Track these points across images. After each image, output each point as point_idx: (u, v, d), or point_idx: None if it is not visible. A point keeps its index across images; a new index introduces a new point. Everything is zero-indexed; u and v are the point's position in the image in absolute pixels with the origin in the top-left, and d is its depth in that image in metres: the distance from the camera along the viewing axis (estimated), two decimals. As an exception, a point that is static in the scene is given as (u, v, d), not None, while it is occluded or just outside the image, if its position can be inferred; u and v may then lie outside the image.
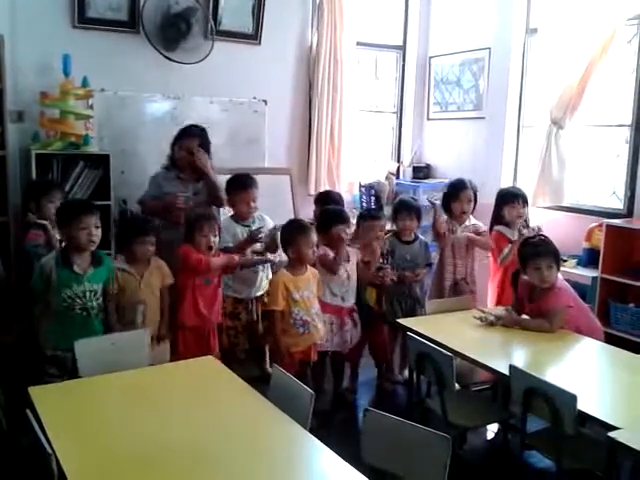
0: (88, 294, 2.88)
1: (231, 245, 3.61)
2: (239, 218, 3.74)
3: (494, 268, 4.05)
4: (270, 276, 3.76)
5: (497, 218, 4.01)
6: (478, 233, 3.99)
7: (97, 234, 2.89)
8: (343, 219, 3.64)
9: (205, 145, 3.82)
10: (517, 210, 3.91)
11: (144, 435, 2.01)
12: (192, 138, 3.78)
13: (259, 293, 3.79)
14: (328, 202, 4.04)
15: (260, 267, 3.77)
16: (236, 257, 3.45)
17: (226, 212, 3.95)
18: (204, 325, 3.37)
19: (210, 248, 3.33)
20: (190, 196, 3.75)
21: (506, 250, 3.85)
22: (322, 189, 5.27)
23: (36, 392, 2.24)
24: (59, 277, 2.83)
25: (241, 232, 3.69)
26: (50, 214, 3.33)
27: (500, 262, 3.90)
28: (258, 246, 3.69)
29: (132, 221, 3.74)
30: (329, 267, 3.55)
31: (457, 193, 4.02)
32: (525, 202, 3.98)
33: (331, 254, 3.54)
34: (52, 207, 3.33)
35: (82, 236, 2.83)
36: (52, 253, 2.94)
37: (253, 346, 3.88)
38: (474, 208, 4.07)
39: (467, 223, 4.04)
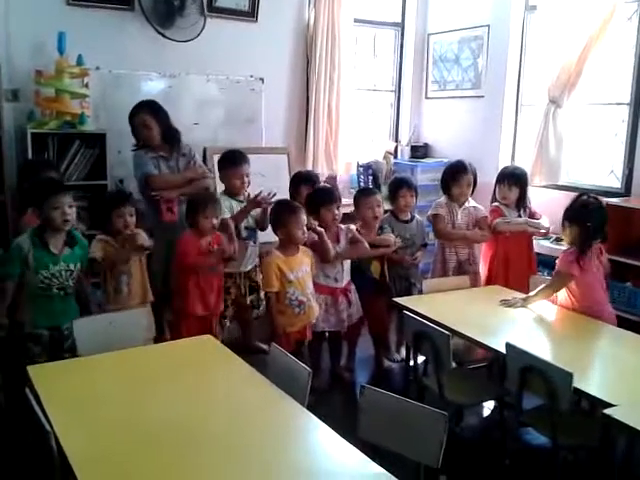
0: (64, 273, 2.91)
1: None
2: (232, 194, 3.74)
3: (486, 248, 4.05)
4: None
5: (494, 198, 4.04)
6: (477, 219, 3.98)
7: (71, 213, 2.88)
8: (332, 199, 3.62)
9: (158, 114, 3.80)
10: (504, 191, 3.94)
11: (142, 413, 2.02)
12: (140, 113, 3.77)
13: (248, 267, 3.83)
14: (303, 182, 4.00)
15: (251, 242, 3.80)
16: (227, 248, 3.42)
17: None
18: (208, 312, 3.39)
19: (213, 229, 3.35)
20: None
21: (498, 219, 3.89)
22: (319, 168, 5.27)
23: (35, 371, 2.25)
24: (36, 258, 2.85)
25: (237, 206, 3.70)
26: None
27: (492, 227, 3.92)
28: (251, 221, 3.74)
29: (107, 195, 3.72)
30: (320, 254, 3.52)
31: (457, 178, 3.98)
32: (516, 183, 3.95)
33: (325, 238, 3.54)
34: None
35: (56, 216, 2.83)
36: (26, 234, 2.91)
37: (241, 319, 3.98)
38: (473, 190, 4.06)
39: (467, 204, 4.03)
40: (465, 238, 3.98)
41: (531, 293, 3.26)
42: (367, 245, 3.65)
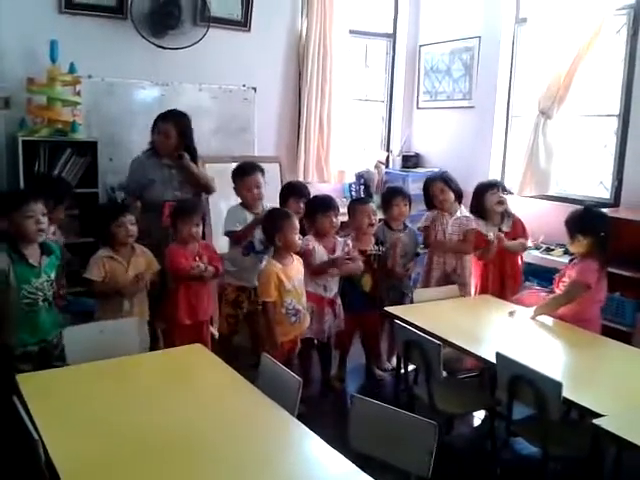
0: (46, 284, 2.80)
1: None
2: (247, 206, 3.66)
3: (474, 260, 4.06)
4: None
5: (476, 208, 3.99)
6: (465, 231, 3.97)
7: (45, 222, 2.77)
8: (330, 206, 3.63)
9: (183, 130, 3.79)
10: (497, 195, 3.92)
11: (132, 422, 2.01)
12: (166, 121, 3.75)
13: None
14: (292, 195, 3.94)
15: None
16: (211, 268, 3.38)
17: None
18: (198, 321, 3.38)
19: (192, 237, 3.34)
20: (176, 185, 3.77)
21: (480, 250, 3.87)
22: (311, 178, 5.28)
23: (23, 379, 2.24)
24: (17, 274, 2.71)
25: (251, 219, 3.63)
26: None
27: (478, 258, 3.93)
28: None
29: (104, 207, 3.70)
30: (310, 269, 3.51)
31: (431, 188, 4.02)
32: (504, 189, 3.99)
33: (318, 250, 3.53)
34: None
35: (30, 225, 2.71)
36: (3, 251, 2.75)
37: (253, 334, 3.86)
38: (460, 199, 4.07)
39: (458, 214, 4.04)
40: (453, 249, 3.98)
41: (542, 303, 3.26)
42: (361, 264, 3.64)
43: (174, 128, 3.75)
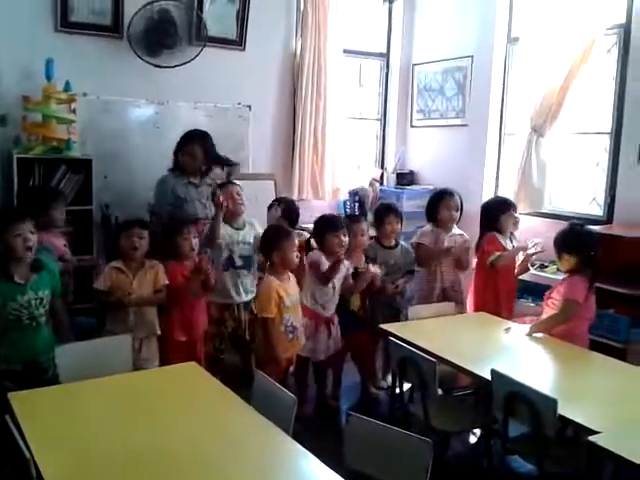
0: (34, 302, 2.76)
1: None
2: (226, 220, 3.67)
3: (476, 278, 4.04)
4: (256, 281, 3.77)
5: (490, 226, 3.95)
6: (465, 247, 3.99)
7: (33, 240, 2.77)
8: (337, 225, 3.63)
9: (207, 149, 3.90)
10: (513, 217, 3.95)
11: (125, 441, 1.99)
12: (192, 142, 3.87)
13: (246, 298, 3.75)
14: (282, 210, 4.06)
15: (244, 271, 3.73)
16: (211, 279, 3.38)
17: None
18: (192, 338, 3.35)
19: (192, 250, 3.34)
20: (205, 203, 3.89)
21: (497, 254, 3.82)
22: (306, 195, 5.30)
23: (16, 398, 2.22)
24: (2, 291, 2.71)
25: (232, 233, 3.67)
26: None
27: (489, 262, 3.88)
28: (246, 249, 3.70)
29: (118, 222, 3.79)
30: (321, 278, 3.53)
31: (445, 200, 4.02)
32: (516, 210, 4.03)
33: (325, 262, 3.54)
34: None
35: (18, 244, 2.71)
36: None
37: (240, 352, 3.89)
38: (460, 218, 4.10)
39: (453, 231, 4.06)
40: (448, 252, 3.92)
41: (537, 321, 3.26)
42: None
43: (199, 148, 3.86)
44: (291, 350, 3.30)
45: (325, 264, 3.57)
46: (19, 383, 2.64)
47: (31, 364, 2.78)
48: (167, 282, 3.24)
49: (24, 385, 2.58)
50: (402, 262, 3.99)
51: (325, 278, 3.54)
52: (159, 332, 3.23)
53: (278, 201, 4.22)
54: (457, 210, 4.04)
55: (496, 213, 3.96)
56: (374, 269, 3.66)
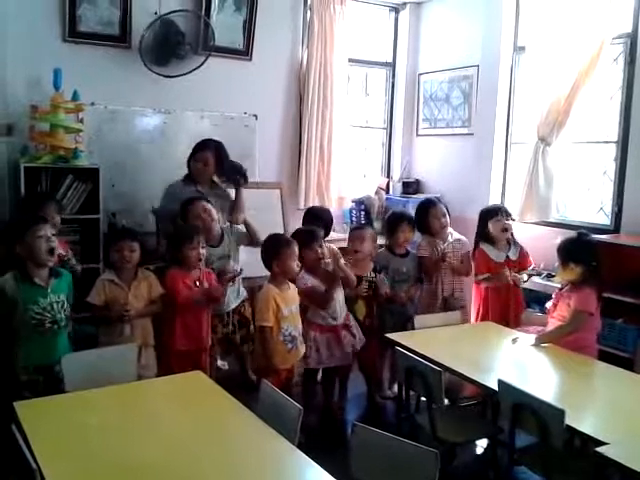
0: (55, 306, 2.79)
1: None
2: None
3: (476, 286, 4.04)
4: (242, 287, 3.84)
5: (482, 235, 3.99)
6: (462, 255, 4.01)
7: (55, 241, 2.80)
8: (312, 239, 3.55)
9: (220, 158, 3.91)
10: (501, 223, 3.91)
11: (130, 450, 1.99)
12: (205, 150, 3.89)
13: (234, 305, 3.79)
14: (314, 218, 4.04)
15: (229, 284, 3.60)
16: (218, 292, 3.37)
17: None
18: (196, 347, 3.30)
19: (199, 260, 3.30)
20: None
21: (486, 275, 3.87)
22: (312, 203, 5.29)
23: (22, 407, 2.22)
24: (23, 294, 2.72)
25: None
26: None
27: (475, 280, 3.92)
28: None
29: (109, 231, 3.73)
30: (319, 303, 3.51)
31: (430, 210, 4.04)
32: (508, 215, 4.00)
33: (315, 282, 3.52)
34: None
35: (41, 244, 2.73)
36: (7, 274, 2.77)
37: (235, 354, 3.98)
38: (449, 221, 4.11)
39: (450, 239, 4.05)
40: (443, 258, 3.95)
41: (544, 332, 3.25)
42: (354, 278, 3.61)
43: (212, 156, 3.89)
44: (290, 360, 3.27)
45: (314, 282, 3.52)
46: (38, 394, 2.61)
47: (48, 372, 2.75)
48: (162, 291, 3.21)
49: (43, 396, 2.56)
50: (413, 270, 3.98)
51: (324, 302, 3.51)
52: (153, 342, 3.19)
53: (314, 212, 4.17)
54: (444, 216, 4.06)
55: (485, 219, 3.99)
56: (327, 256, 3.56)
